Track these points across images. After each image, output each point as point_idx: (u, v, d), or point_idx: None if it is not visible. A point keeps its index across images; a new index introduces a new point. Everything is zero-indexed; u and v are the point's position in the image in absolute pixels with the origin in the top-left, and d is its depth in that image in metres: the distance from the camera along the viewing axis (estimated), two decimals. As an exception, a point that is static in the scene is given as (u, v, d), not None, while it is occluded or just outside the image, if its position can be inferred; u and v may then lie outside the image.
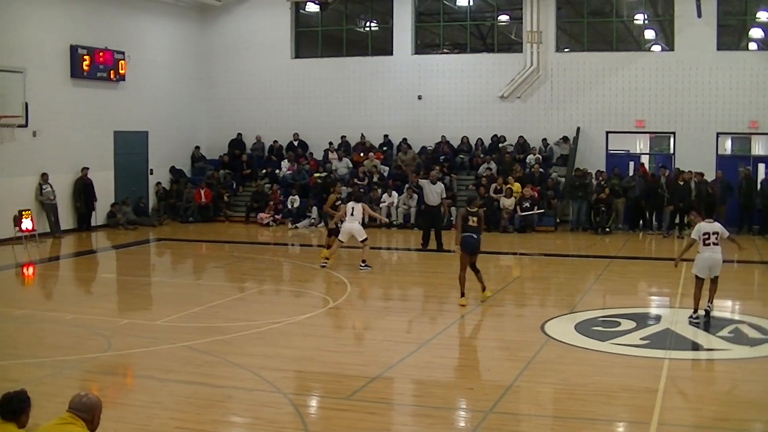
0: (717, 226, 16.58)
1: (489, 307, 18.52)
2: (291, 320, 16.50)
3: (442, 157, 36.19)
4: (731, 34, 35.90)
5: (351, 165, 37.04)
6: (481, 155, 36.20)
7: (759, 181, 32.79)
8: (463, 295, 18.15)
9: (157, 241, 31.02)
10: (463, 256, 18.22)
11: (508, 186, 33.33)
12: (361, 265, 23.42)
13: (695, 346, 14.71)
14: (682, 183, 31.97)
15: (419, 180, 29.57)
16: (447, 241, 26.65)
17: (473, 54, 37.99)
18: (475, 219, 18.32)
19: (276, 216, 35.00)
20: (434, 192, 27.33)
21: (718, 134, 34.71)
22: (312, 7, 39.50)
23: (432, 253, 27.02)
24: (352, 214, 23.57)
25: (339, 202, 25.48)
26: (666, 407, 11.26)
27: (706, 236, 16.41)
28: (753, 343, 14.95)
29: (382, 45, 38.83)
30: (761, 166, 34.41)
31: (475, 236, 18.22)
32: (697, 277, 16.56)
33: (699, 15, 33.20)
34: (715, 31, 34.52)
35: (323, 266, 23.52)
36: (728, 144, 35.99)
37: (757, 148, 35.98)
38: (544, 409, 11.47)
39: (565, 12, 37.09)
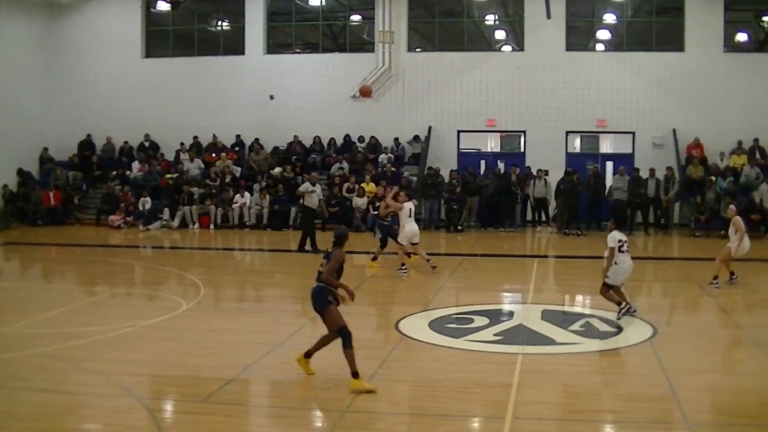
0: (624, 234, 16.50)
1: (343, 306, 18.48)
2: (144, 324, 16.17)
3: (294, 157, 36.13)
4: (579, 35, 36.74)
5: (203, 166, 36.66)
6: (334, 155, 36.23)
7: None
8: (307, 355, 12.74)
9: (4, 246, 30.17)
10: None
11: (361, 185, 33.42)
12: (401, 269, 22.58)
13: (548, 341, 14.89)
14: (572, 182, 32.66)
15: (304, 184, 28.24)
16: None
17: (325, 54, 38.05)
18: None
19: (127, 218, 34.41)
20: (315, 195, 26.97)
21: (567, 133, 35.51)
22: (163, 6, 39.02)
23: (293, 253, 26.91)
24: (410, 216, 22.84)
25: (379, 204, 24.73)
26: (520, 401, 11.36)
27: (621, 244, 16.21)
28: (603, 336, 15.25)
29: (234, 44, 38.57)
30: (609, 164, 35.25)
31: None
32: (608, 284, 16.63)
33: (548, 16, 33.84)
34: (564, 32, 35.36)
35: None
36: (577, 142, 36.79)
37: (605, 146, 36.88)
38: (401, 406, 11.46)
39: (417, 12, 37.41)
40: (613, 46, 37.19)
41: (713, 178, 33.08)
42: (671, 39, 35.86)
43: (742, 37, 37.03)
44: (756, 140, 34.49)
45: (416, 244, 22.75)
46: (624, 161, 34.94)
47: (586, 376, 13.04)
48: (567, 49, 35.76)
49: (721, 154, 34.39)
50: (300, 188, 27.68)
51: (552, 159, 34.96)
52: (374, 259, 23.84)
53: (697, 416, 10.89)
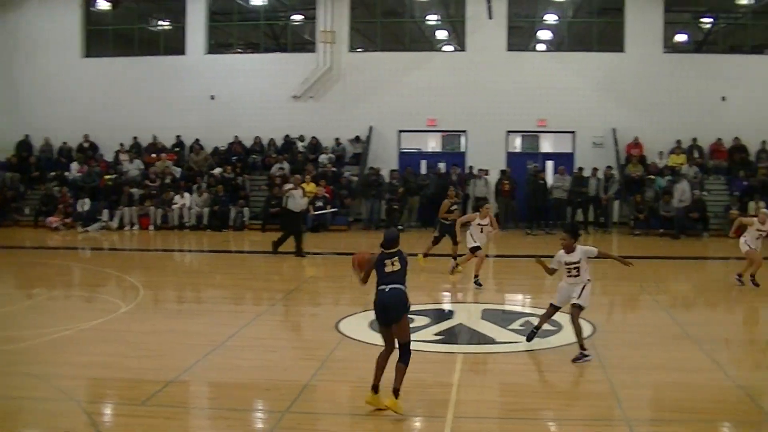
0: (579, 253, 13.97)
1: (284, 307, 18.48)
2: (83, 326, 15.98)
3: (235, 158, 35.97)
4: (521, 36, 36.95)
5: (142, 166, 36.38)
6: (274, 155, 36.11)
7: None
8: (375, 390, 11.18)
9: (-62, 248, 29.74)
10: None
11: (301, 186, 33.31)
12: (476, 281, 20.73)
13: (488, 340, 14.94)
14: (541, 182, 32.93)
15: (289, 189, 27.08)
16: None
17: (267, 53, 37.95)
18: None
19: (66, 219, 34.02)
20: (299, 197, 26.58)
21: (508, 132, 35.66)
22: (103, 5, 38.63)
23: (233, 254, 26.79)
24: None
25: (455, 207, 24.14)
26: (461, 400, 11.39)
27: (569, 269, 14.07)
28: (543, 335, 15.31)
29: (175, 44, 38.30)
30: (549, 163, 35.48)
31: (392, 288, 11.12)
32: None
33: (490, 16, 33.98)
34: (505, 33, 35.55)
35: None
36: (518, 142, 36.98)
37: (546, 146, 37.13)
38: (341, 407, 11.44)
39: (359, 12, 37.37)
40: (554, 46, 37.46)
41: (652, 177, 33.42)
42: (611, 39, 36.18)
43: (681, 37, 37.48)
44: (694, 140, 34.89)
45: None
46: (564, 160, 35.20)
47: (526, 374, 13.10)
48: (508, 50, 35.94)
49: (660, 154, 34.74)
50: (283, 188, 27.44)
51: (493, 158, 35.12)
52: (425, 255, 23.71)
53: (636, 413, 10.97)
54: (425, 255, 23.57)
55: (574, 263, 13.86)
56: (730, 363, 13.35)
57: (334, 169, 34.90)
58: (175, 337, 15.38)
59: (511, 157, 36.03)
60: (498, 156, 35.53)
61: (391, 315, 10.91)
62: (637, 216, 32.34)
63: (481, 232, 20.95)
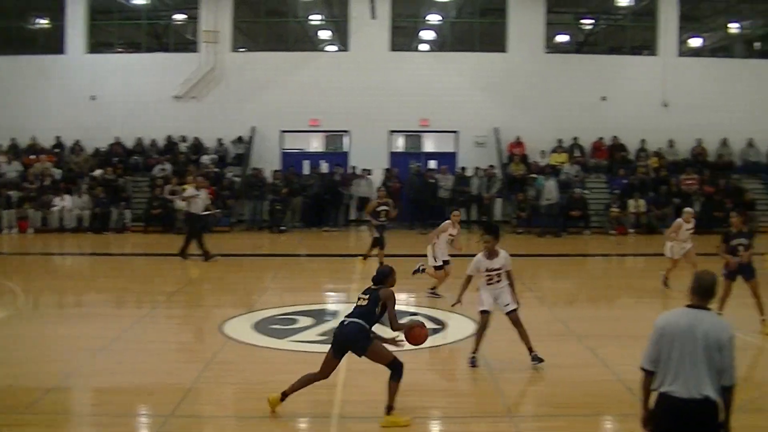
0: (502, 259, 13.30)
1: (166, 310, 18.30)
2: (-43, 332, 15.67)
3: (116, 159, 35.47)
4: (404, 36, 37.14)
5: (21, 168, 35.60)
6: (156, 156, 35.71)
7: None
8: (283, 396, 11.04)
9: None
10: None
11: (184, 187, 33.02)
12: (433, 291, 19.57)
13: (372, 340, 15.00)
14: (431, 181, 33.10)
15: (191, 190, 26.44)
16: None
17: (149, 53, 37.46)
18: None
19: (-58, 224, 33.16)
20: (200, 200, 26.04)
21: (391, 132, 35.80)
22: (-24, 2, 37.68)
23: (115, 257, 26.42)
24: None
25: (382, 208, 22.86)
26: (346, 400, 11.43)
27: (489, 277, 13.29)
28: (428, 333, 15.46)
29: (54, 43, 37.52)
30: (432, 163, 35.73)
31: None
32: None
33: (373, 16, 34.05)
34: (389, 33, 35.64)
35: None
36: (400, 142, 37.17)
37: (428, 145, 37.40)
38: (226, 409, 11.37)
39: (242, 12, 37.11)
40: (436, 46, 37.77)
41: (534, 175, 33.88)
42: (494, 40, 36.60)
43: (562, 38, 38.16)
44: (575, 139, 35.53)
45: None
46: (447, 160, 35.51)
47: (411, 373, 13.11)
48: (391, 50, 36.10)
49: (541, 153, 35.25)
50: (185, 193, 26.82)
51: (375, 159, 35.25)
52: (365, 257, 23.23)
53: (519, 408, 11.16)
54: (365, 257, 23.40)
55: (496, 270, 13.16)
56: (612, 358, 13.60)
57: (216, 169, 34.63)
58: (57, 342, 15.10)
59: (394, 157, 36.21)
60: (381, 156, 35.67)
61: (349, 348, 10.90)
62: (519, 214, 32.77)
63: (450, 243, 19.18)
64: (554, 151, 35.44)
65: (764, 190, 35.25)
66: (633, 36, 38.31)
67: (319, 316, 17.11)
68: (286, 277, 22.92)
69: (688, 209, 21.01)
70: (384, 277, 11.20)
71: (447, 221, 19.44)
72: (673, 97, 36.02)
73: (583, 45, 38.53)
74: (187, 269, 23.87)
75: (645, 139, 35.62)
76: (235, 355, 14.10)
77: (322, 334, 15.25)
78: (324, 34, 39.29)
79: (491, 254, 13.16)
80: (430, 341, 14.77)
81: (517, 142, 35.36)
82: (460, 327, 15.95)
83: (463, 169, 34.31)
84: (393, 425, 10.61)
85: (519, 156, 34.90)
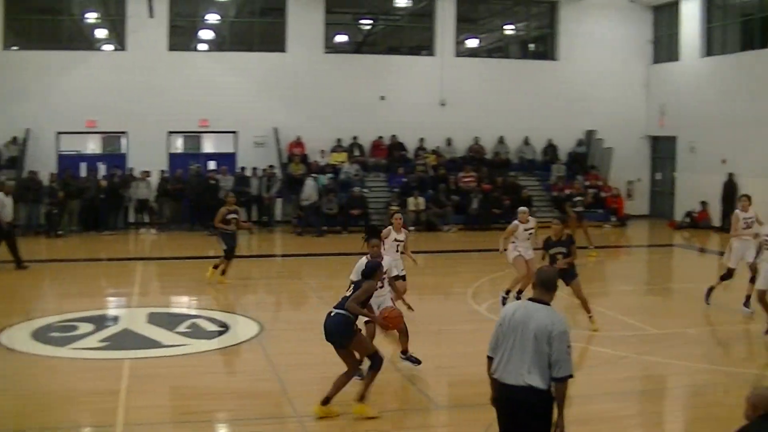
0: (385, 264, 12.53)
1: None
2: None
3: None
4: (183, 35, 36.66)
5: None
6: None
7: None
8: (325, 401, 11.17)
9: None
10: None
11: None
12: None
13: (154, 344, 14.81)
14: (212, 182, 32.77)
15: None
16: None
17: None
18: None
19: None
20: (8, 207, 24.38)
21: (169, 133, 35.36)
22: None
23: None
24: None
25: (232, 216, 21.21)
26: (131, 407, 11.25)
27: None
28: (210, 336, 15.40)
29: None
30: (212, 164, 35.49)
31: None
32: None
33: (151, 15, 33.52)
34: (167, 32, 35.12)
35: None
36: (179, 142, 36.78)
37: (208, 146, 37.16)
38: (6, 422, 11.03)
39: (13, 7, 35.68)
40: (216, 46, 37.47)
41: (314, 175, 34.06)
42: (273, 39, 36.55)
43: (341, 38, 38.46)
44: (355, 138, 35.89)
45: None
46: (227, 160, 35.29)
47: (196, 376, 13.09)
48: (170, 49, 35.56)
49: (321, 152, 35.43)
50: None
51: (154, 160, 34.70)
52: (216, 267, 21.41)
53: (307, 408, 11.19)
54: (215, 267, 21.34)
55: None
56: (394, 353, 13.82)
57: (-11, 173, 33.42)
58: None
59: (173, 158, 35.74)
60: (159, 157, 35.08)
61: (333, 340, 11.09)
62: (299, 214, 32.86)
63: (398, 251, 16.67)
64: (334, 150, 35.68)
65: (540, 187, 36.49)
66: (411, 36, 38.99)
67: (100, 321, 16.75)
68: (64, 283, 22.30)
69: (523, 208, 19.21)
70: (372, 271, 11.37)
71: (388, 227, 16.93)
72: (450, 96, 36.82)
73: (362, 45, 38.97)
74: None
75: (423, 137, 36.26)
76: (14, 364, 13.68)
77: (104, 340, 15.00)
78: (100, 33, 38.33)
79: (379, 257, 12.57)
80: (213, 344, 14.80)
81: (297, 142, 35.44)
82: (243, 329, 15.99)
83: (243, 169, 34.18)
84: (362, 414, 10.91)
85: (299, 156, 34.97)
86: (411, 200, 33.23)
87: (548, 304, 7.87)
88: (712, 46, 35.41)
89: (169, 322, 16.59)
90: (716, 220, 33.30)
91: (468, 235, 32.09)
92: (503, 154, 37.10)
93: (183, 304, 20.08)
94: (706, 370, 13.79)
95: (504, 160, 36.86)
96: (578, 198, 29.22)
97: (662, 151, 38.59)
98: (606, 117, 37.60)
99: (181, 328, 15.99)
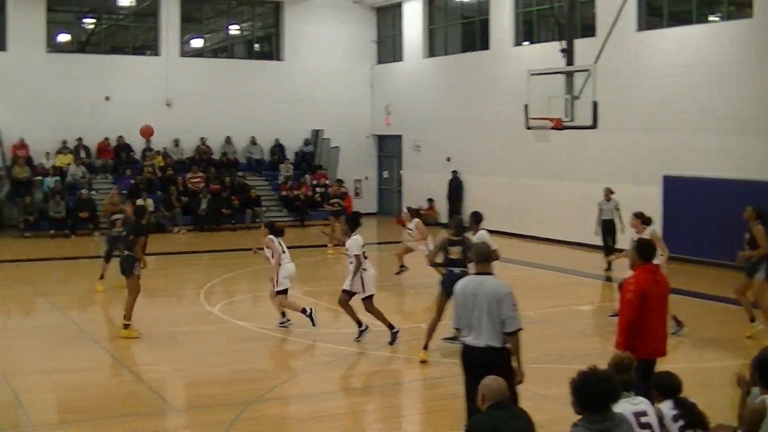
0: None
1: None
2: None
3: None
4: None
5: None
6: None
7: None
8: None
9: None
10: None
11: None
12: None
13: None
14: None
15: None
16: None
17: None
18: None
19: None
20: None
21: None
22: None
23: None
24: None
25: (116, 217, 20.12)
26: None
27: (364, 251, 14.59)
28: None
29: None
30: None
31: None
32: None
33: None
34: None
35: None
36: None
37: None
38: None
39: None
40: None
41: (40, 178, 33.44)
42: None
43: (64, 37, 37.75)
44: (80, 139, 35.34)
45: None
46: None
47: None
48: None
49: (47, 154, 34.70)
50: None
51: None
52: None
53: (42, 417, 11.22)
54: (102, 277, 20.57)
55: None
56: (131, 359, 14.04)
57: None
58: None
59: None
60: None
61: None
62: (26, 218, 32.15)
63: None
64: (59, 152, 34.99)
65: (268, 186, 37.07)
66: (136, 36, 38.71)
67: None
68: None
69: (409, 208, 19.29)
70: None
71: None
72: (176, 96, 36.75)
73: (85, 44, 38.37)
74: None
75: (150, 138, 36.10)
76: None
77: None
78: None
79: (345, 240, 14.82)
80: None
81: (20, 144, 34.55)
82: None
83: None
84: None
85: (23, 158, 34.17)
86: (139, 202, 33.05)
87: (491, 274, 9.48)
88: (434, 47, 37.01)
89: None
90: (444, 216, 34.04)
91: (198, 236, 32.32)
92: (231, 155, 37.46)
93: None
94: (438, 362, 14.05)
95: (232, 160, 37.25)
96: (335, 199, 30.19)
97: (388, 149, 39.96)
98: (332, 116, 38.57)
99: None
